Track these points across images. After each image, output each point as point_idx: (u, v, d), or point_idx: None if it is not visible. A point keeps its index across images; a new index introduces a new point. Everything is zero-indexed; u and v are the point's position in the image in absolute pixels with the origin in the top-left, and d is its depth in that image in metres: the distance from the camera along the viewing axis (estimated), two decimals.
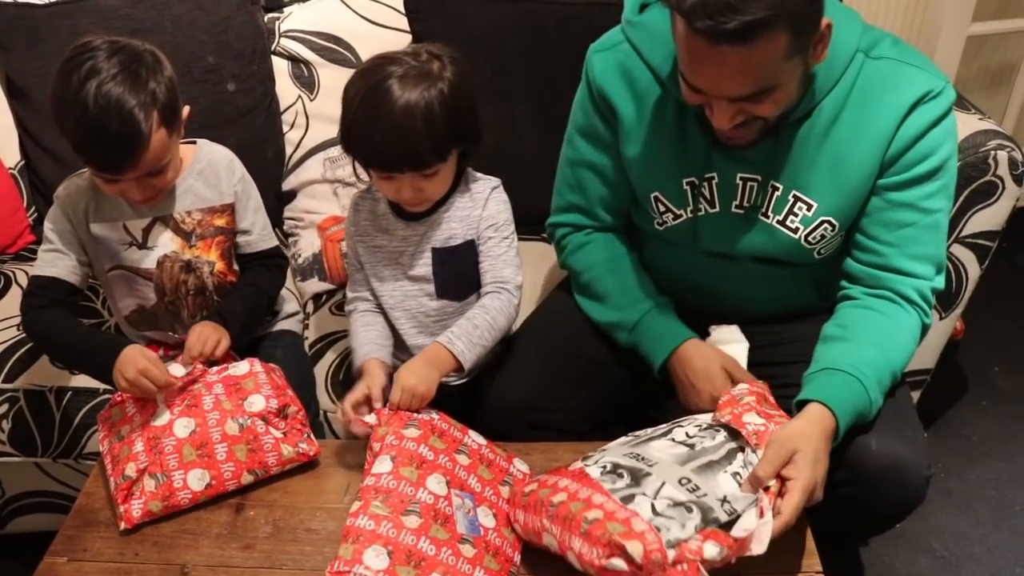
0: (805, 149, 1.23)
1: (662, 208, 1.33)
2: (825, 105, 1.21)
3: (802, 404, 1.15)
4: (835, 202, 1.25)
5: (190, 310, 1.49)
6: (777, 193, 1.26)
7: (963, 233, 1.54)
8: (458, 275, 1.39)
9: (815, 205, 1.25)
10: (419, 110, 1.22)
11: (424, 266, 1.38)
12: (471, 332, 1.30)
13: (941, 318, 1.64)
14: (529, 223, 1.66)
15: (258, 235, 1.51)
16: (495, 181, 1.41)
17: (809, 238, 1.27)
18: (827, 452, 1.11)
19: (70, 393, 1.57)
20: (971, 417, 2.09)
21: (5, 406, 1.57)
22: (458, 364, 1.29)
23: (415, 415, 1.22)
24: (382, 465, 1.14)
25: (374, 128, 1.24)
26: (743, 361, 1.30)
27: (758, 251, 1.31)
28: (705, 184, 1.28)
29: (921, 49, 2.45)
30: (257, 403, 1.31)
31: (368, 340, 1.38)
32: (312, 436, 1.34)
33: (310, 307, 1.78)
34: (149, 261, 1.44)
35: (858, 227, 1.27)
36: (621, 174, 1.38)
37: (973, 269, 1.59)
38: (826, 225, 1.26)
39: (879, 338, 1.22)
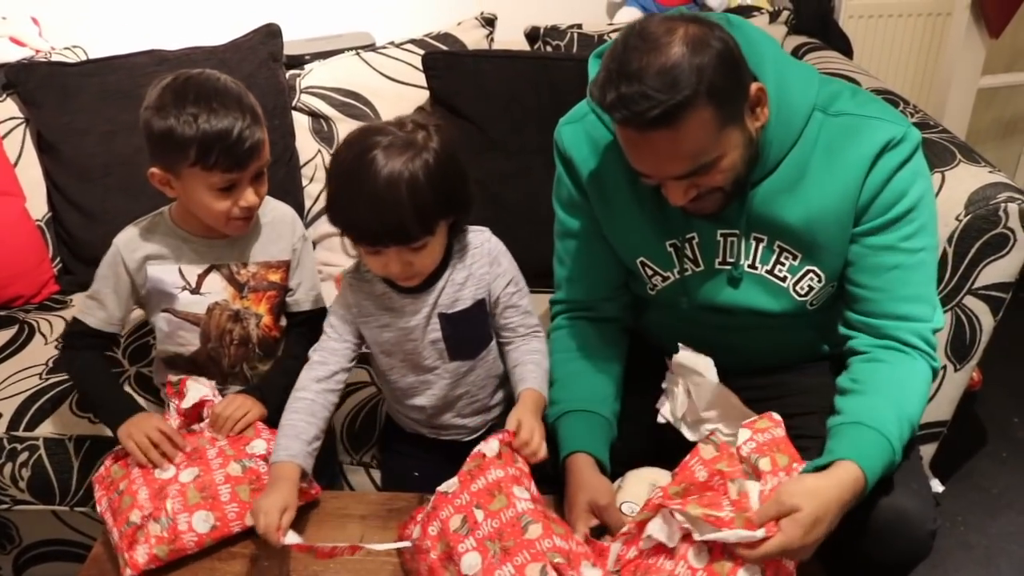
0: (774, 205, 1.23)
1: (650, 272, 1.34)
2: (787, 163, 1.22)
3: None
4: (816, 255, 1.25)
5: (230, 359, 1.49)
6: (762, 244, 1.27)
7: (975, 285, 1.54)
8: (469, 335, 1.37)
9: (799, 255, 1.26)
10: (403, 181, 1.17)
11: (434, 331, 1.35)
12: (544, 377, 1.34)
13: (956, 369, 1.63)
14: (545, 276, 1.67)
15: (303, 295, 1.52)
16: (485, 232, 1.37)
17: (797, 288, 1.28)
18: (838, 513, 1.09)
19: (89, 442, 1.59)
20: (991, 469, 2.06)
21: (25, 454, 1.58)
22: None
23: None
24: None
25: (357, 200, 1.19)
26: (712, 375, 1.26)
27: (751, 305, 1.31)
28: (687, 244, 1.29)
29: (932, 102, 2.53)
30: (259, 446, 1.34)
31: (306, 436, 1.28)
32: (312, 479, 1.31)
33: None
34: (199, 307, 1.45)
35: (846, 278, 1.27)
36: (602, 250, 1.38)
37: (987, 320, 1.58)
38: (812, 275, 1.27)
39: (895, 392, 1.21)
